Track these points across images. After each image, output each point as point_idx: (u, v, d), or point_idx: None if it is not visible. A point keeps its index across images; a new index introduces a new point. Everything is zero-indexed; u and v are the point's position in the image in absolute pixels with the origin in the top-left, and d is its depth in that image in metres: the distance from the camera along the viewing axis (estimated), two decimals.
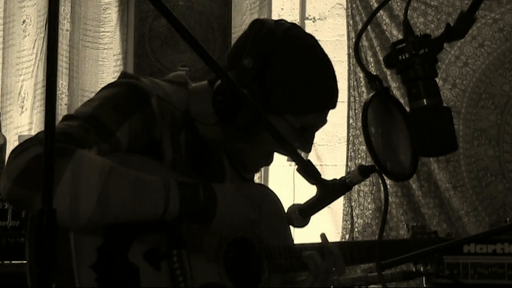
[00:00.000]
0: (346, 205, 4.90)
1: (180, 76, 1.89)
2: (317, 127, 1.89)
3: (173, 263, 1.69)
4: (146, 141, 1.73)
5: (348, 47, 4.98)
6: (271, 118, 1.74)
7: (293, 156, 1.62)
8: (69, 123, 1.65)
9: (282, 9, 5.14)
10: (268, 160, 1.89)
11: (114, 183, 1.56)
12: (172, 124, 1.79)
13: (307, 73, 1.81)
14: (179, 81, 1.87)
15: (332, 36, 5.05)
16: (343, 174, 4.11)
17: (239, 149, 1.87)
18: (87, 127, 1.64)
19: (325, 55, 1.87)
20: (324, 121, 1.90)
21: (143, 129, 1.72)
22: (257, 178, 5.06)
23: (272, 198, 1.97)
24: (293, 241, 1.99)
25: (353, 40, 4.91)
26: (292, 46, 1.81)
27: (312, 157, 4.57)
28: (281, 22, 1.87)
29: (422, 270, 2.53)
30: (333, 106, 1.89)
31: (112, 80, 1.82)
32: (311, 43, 1.87)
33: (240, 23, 5.31)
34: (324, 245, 1.95)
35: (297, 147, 1.87)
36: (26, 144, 1.55)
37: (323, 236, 1.99)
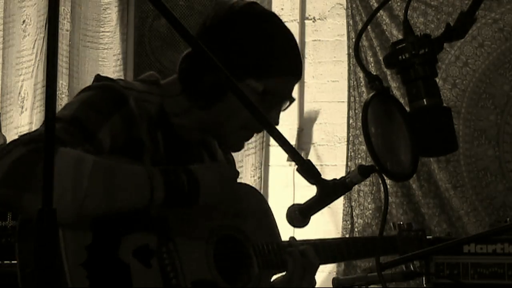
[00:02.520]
0: (346, 205, 4.90)
1: (152, 75, 1.92)
2: (281, 97, 1.86)
3: (164, 260, 1.70)
4: (127, 141, 1.74)
5: (348, 47, 4.97)
6: None
7: (292, 154, 1.62)
8: None
9: (282, 9, 5.14)
10: (247, 134, 1.86)
11: (98, 175, 1.57)
12: (149, 123, 1.80)
13: (265, 36, 1.82)
14: (151, 80, 1.89)
15: (332, 36, 5.04)
16: (343, 174, 4.11)
17: (213, 125, 1.87)
18: (70, 129, 1.64)
19: (285, 25, 1.88)
20: (288, 93, 1.87)
21: (124, 129, 1.73)
22: (257, 177, 5.06)
23: (256, 196, 2.00)
24: (281, 238, 2.00)
25: (353, 40, 4.90)
26: (251, 12, 1.84)
27: (312, 157, 4.59)
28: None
29: (422, 270, 2.54)
30: (296, 72, 1.87)
31: None
32: (270, 13, 1.91)
33: None
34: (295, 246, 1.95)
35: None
36: (8, 147, 1.55)
37: (291, 239, 2.00)
